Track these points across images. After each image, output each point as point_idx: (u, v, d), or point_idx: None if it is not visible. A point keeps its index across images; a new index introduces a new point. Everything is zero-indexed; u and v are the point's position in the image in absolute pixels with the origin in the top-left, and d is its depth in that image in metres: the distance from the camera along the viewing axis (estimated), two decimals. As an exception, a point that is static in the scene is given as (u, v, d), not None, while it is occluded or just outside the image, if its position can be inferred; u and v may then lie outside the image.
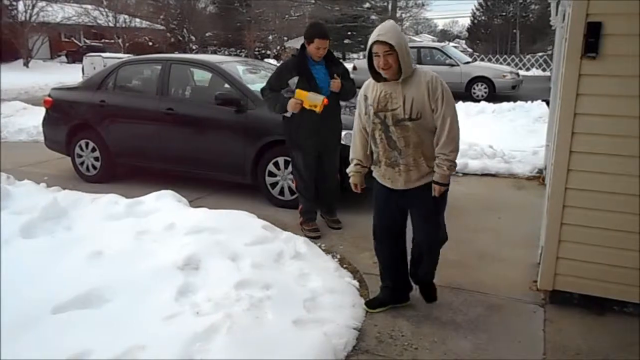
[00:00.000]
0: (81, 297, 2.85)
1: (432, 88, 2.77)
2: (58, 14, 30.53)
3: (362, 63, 18.51)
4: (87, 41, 35.83)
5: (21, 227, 3.64)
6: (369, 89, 2.98)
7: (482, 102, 11.53)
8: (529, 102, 10.62)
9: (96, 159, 6.25)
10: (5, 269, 3.10)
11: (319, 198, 4.67)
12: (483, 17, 54.64)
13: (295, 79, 4.43)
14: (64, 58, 33.60)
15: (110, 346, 2.49)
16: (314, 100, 4.21)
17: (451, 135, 2.78)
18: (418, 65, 2.94)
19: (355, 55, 44.95)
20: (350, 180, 3.21)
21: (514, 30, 49.86)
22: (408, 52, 2.79)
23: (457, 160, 2.87)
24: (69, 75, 21.89)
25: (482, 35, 54.44)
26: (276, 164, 5.23)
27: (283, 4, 40.08)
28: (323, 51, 4.42)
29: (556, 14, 4.58)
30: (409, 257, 3.28)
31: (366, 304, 3.26)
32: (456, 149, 2.83)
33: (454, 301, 3.36)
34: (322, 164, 4.56)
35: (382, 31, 2.75)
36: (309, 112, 4.25)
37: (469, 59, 17.23)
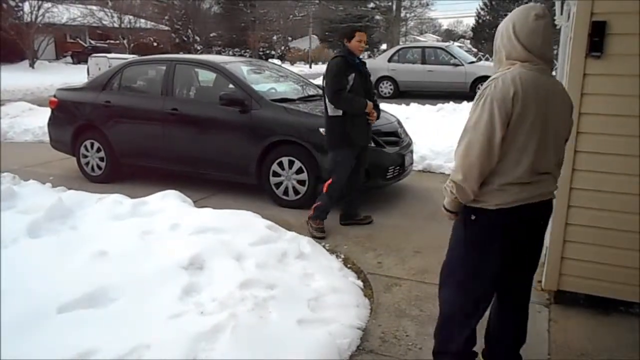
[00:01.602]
0: (86, 297, 2.86)
1: (476, 95, 2.15)
2: (63, 15, 30.65)
3: (367, 63, 18.54)
4: (92, 42, 35.92)
5: (27, 227, 3.67)
6: None
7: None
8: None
9: (101, 159, 6.27)
10: (12, 268, 3.12)
11: (345, 198, 4.73)
12: (488, 17, 54.43)
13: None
14: (69, 59, 33.70)
15: (115, 345, 2.50)
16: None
17: (458, 151, 2.13)
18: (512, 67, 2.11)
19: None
20: None
21: (519, 30, 49.50)
22: (500, 46, 2.17)
23: (465, 185, 2.10)
24: (75, 76, 21.94)
25: (487, 35, 54.17)
26: (280, 164, 5.24)
27: (287, 4, 40.13)
28: (364, 44, 4.53)
29: (561, 13, 4.57)
30: None
31: None
32: (460, 170, 2.10)
33: (459, 301, 3.35)
34: (359, 162, 4.63)
35: None
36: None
37: (474, 59, 17.21)
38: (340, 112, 4.39)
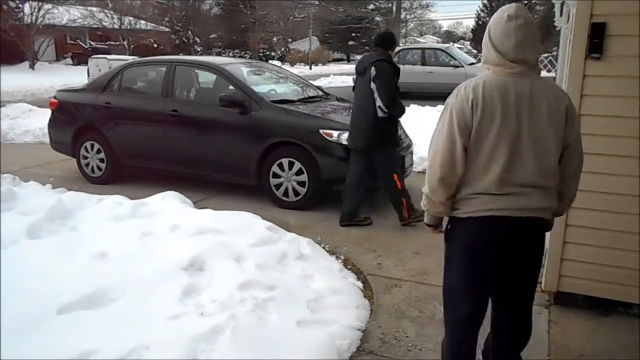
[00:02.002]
0: (86, 297, 2.87)
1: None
2: (64, 16, 30.70)
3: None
4: (92, 43, 35.99)
5: (27, 228, 3.68)
6: None
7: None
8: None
9: (101, 160, 6.27)
10: (12, 268, 3.12)
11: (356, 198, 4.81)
12: (487, 18, 54.45)
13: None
14: (69, 60, 33.76)
15: (115, 346, 2.50)
16: None
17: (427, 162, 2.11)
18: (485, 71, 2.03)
19: (359, 57, 44.92)
20: None
21: (519, 31, 49.64)
22: (483, 51, 2.09)
23: (432, 196, 2.05)
24: (75, 77, 21.98)
25: (487, 37, 54.17)
26: (280, 166, 5.24)
27: (287, 6, 40.18)
28: None
29: (560, 15, 4.58)
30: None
31: None
32: (427, 182, 2.06)
33: (458, 302, 3.35)
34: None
35: None
36: None
37: (474, 60, 17.20)
38: (387, 114, 4.51)
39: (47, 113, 7.23)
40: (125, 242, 3.52)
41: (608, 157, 2.95)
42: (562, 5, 4.66)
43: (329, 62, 45.43)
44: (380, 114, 4.48)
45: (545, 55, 27.56)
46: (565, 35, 3.87)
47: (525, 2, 49.92)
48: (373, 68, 4.48)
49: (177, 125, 5.77)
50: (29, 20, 28.07)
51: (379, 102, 4.44)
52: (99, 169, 6.32)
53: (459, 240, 2.08)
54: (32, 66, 28.34)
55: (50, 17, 29.00)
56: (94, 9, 34.09)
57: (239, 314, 2.77)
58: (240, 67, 6.22)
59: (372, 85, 4.47)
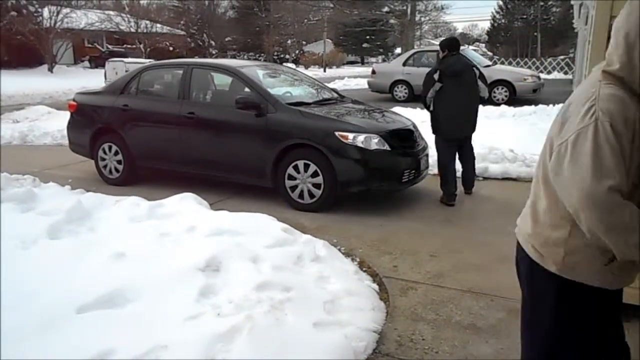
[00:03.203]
0: (104, 298, 2.89)
1: None
2: (82, 20, 31.15)
3: (381, 67, 18.50)
4: (109, 47, 36.42)
5: (47, 228, 3.73)
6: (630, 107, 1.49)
7: (503, 106, 11.44)
8: (550, 105, 10.48)
9: (119, 162, 6.34)
10: (32, 268, 3.17)
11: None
12: (503, 20, 54.16)
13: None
14: (87, 63, 34.20)
15: (133, 346, 2.52)
16: None
17: None
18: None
19: (373, 60, 44.92)
20: None
21: (535, 33, 49.44)
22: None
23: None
24: (92, 80, 22.27)
25: (503, 39, 54.01)
26: (296, 168, 5.25)
27: (302, 9, 40.32)
28: None
29: (579, 16, 4.54)
30: None
31: None
32: None
33: (475, 305, 3.34)
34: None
35: None
36: None
37: (489, 63, 17.08)
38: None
39: (65, 115, 7.34)
40: (142, 243, 3.55)
41: None
42: (580, 6, 4.62)
43: (343, 64, 45.47)
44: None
45: (562, 57, 27.27)
46: (584, 36, 3.84)
47: (542, 3, 49.59)
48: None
49: (193, 128, 5.81)
50: (48, 24, 28.49)
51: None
52: (117, 170, 6.39)
53: None
54: (50, 69, 28.75)
55: (68, 21, 29.40)
56: (111, 13, 34.55)
57: (256, 315, 2.78)
58: (255, 70, 6.25)
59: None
